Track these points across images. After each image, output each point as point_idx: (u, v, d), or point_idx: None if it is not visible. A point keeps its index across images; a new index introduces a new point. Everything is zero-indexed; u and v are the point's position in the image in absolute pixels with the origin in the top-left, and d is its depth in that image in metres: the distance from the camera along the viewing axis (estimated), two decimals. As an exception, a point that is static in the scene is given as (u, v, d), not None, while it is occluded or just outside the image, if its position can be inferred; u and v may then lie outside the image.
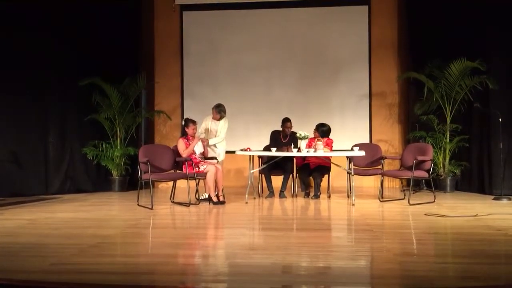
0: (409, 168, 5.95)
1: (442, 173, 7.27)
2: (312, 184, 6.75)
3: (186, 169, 5.96)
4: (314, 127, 6.72)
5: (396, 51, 8.48)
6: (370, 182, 8.04)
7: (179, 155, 6.08)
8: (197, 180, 6.15)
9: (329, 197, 6.65)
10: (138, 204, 5.87)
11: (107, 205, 6.19)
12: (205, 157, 6.31)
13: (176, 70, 8.82)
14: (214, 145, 6.60)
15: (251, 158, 6.41)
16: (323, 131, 6.60)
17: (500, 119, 6.30)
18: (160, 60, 8.85)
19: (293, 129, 6.73)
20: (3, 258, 3.37)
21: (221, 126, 6.63)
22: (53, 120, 7.35)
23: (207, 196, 6.18)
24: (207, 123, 6.70)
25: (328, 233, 4.49)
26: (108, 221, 4.95)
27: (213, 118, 6.67)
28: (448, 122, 7.25)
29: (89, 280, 2.88)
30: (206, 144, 6.39)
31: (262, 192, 6.89)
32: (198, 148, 6.25)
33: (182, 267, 3.24)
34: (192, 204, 5.90)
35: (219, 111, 6.61)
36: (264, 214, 5.61)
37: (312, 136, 6.66)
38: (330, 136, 6.65)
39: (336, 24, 8.57)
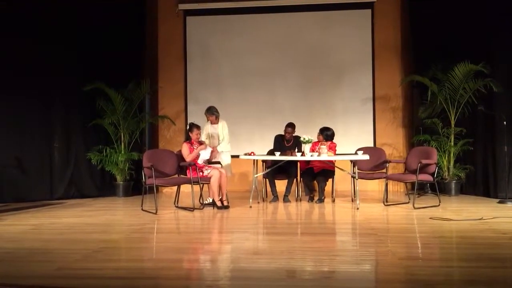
0: (414, 172, 5.93)
1: (446, 177, 7.24)
2: (316, 188, 6.73)
3: (190, 174, 5.97)
4: (318, 131, 6.71)
5: (400, 54, 8.47)
6: (374, 186, 8.03)
7: (183, 159, 6.09)
8: (201, 185, 6.15)
9: (333, 201, 6.64)
10: (142, 209, 5.88)
11: (112, 210, 6.21)
12: (208, 161, 6.30)
13: (180, 75, 8.84)
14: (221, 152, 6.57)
15: (255, 162, 6.41)
16: (327, 135, 6.59)
17: (505, 122, 6.28)
18: (164, 65, 8.88)
19: (296, 133, 6.72)
20: (7, 263, 3.38)
21: (221, 129, 6.59)
22: (57, 126, 7.39)
23: (211, 201, 6.17)
24: (207, 128, 6.69)
25: (333, 237, 4.48)
26: (112, 226, 4.97)
27: (211, 123, 6.64)
28: (453, 125, 7.23)
29: (94, 285, 2.89)
30: (215, 151, 6.35)
31: (266, 197, 6.88)
32: (205, 156, 6.21)
33: (186, 272, 3.24)
34: (196, 208, 5.90)
35: (212, 113, 6.54)
36: (268, 219, 5.61)
37: (316, 140, 6.66)
38: (334, 140, 6.64)
39: (339, 28, 8.57)
